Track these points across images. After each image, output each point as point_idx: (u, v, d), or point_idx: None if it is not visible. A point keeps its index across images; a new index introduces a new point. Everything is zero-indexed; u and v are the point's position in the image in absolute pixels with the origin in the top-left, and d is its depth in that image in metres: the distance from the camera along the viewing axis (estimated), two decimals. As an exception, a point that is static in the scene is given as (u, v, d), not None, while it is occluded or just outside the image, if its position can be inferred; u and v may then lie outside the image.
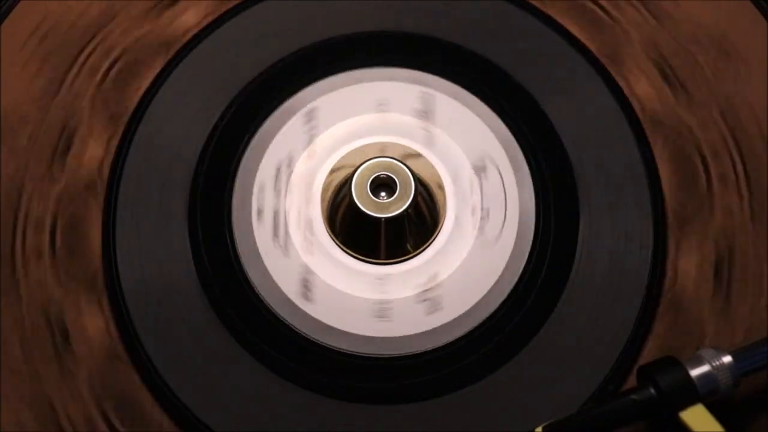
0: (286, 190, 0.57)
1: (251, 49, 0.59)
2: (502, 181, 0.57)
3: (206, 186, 0.57)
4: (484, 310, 0.55)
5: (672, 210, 0.57)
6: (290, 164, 0.58)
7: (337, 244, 0.56)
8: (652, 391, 0.49)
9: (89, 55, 0.59)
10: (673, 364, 0.49)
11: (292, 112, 0.58)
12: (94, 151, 0.57)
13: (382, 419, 0.53)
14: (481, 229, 0.57)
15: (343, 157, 0.58)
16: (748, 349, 0.50)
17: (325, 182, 0.58)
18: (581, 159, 0.58)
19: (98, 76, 0.59)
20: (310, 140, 0.58)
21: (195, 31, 0.60)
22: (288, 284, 0.55)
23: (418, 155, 0.58)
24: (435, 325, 0.54)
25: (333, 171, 0.58)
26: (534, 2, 0.61)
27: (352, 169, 0.56)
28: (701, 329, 0.55)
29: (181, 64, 0.59)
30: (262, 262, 0.55)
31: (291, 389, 0.53)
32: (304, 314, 0.55)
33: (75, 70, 0.59)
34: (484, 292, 0.55)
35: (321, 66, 0.59)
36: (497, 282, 0.55)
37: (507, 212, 0.57)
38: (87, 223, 0.56)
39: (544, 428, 0.48)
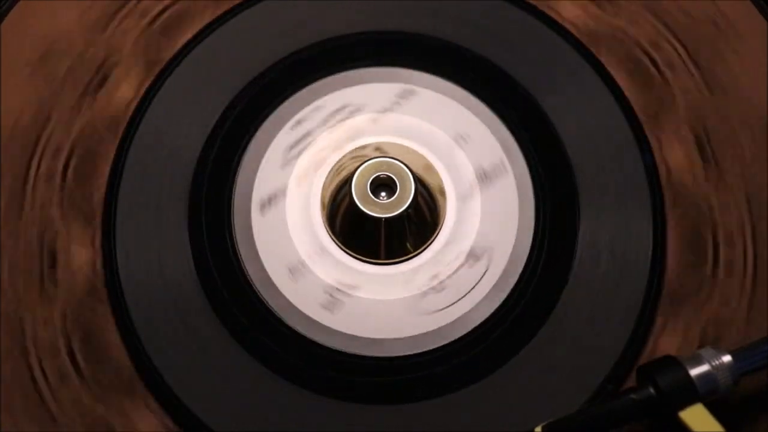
0: (286, 190, 0.57)
1: (251, 49, 0.60)
2: (502, 181, 0.57)
3: (206, 186, 0.57)
4: (484, 309, 0.55)
5: (669, 286, 0.56)
6: (290, 163, 0.58)
7: (337, 244, 0.56)
8: (652, 390, 0.49)
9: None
10: (672, 363, 0.49)
11: (291, 112, 0.58)
12: (125, 92, 0.59)
13: (382, 419, 0.53)
14: (480, 229, 0.57)
15: (342, 158, 0.58)
16: (747, 349, 0.50)
17: (325, 182, 0.58)
18: (581, 159, 0.58)
19: (147, 19, 0.60)
20: (310, 140, 0.58)
21: (195, 30, 0.60)
22: (288, 284, 0.55)
23: (418, 155, 0.58)
24: (434, 326, 0.54)
25: (333, 171, 0.58)
26: (534, 2, 0.61)
27: (352, 169, 0.56)
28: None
29: (181, 64, 0.59)
30: (261, 262, 0.55)
31: (291, 389, 0.53)
32: (304, 314, 0.55)
33: (127, 8, 0.60)
34: (484, 292, 0.55)
35: (321, 66, 0.59)
36: (497, 282, 0.55)
37: (506, 212, 0.57)
38: (101, 158, 0.57)
39: (543, 428, 0.48)
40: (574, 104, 0.59)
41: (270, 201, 0.57)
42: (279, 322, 0.54)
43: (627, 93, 0.59)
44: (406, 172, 0.56)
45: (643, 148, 0.58)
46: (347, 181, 0.56)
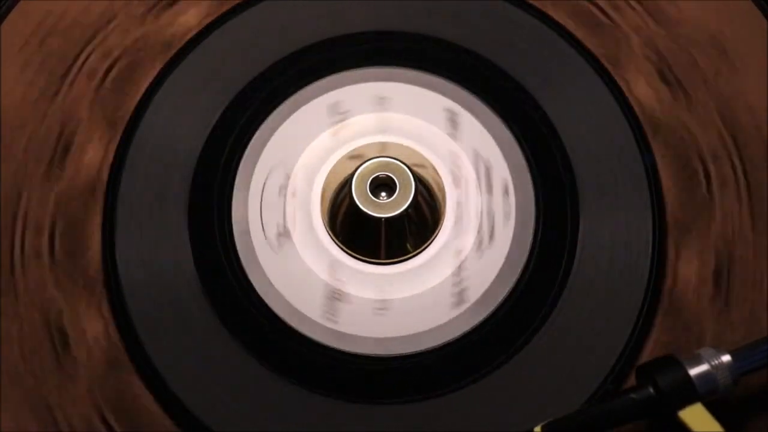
0: (286, 190, 0.57)
1: (251, 49, 0.60)
2: (502, 181, 0.57)
3: (206, 186, 0.57)
4: (484, 309, 0.55)
5: (672, 214, 0.57)
6: (290, 164, 0.58)
7: (337, 244, 0.56)
8: (651, 390, 0.49)
9: (87, 57, 0.59)
10: (672, 363, 0.49)
11: (291, 112, 0.58)
12: (93, 154, 0.58)
13: (382, 419, 0.53)
14: (480, 230, 0.57)
15: (342, 157, 0.58)
16: (747, 349, 0.50)
17: (325, 182, 0.58)
18: (581, 159, 0.58)
19: (96, 79, 0.59)
20: (311, 139, 0.58)
21: (195, 31, 0.60)
22: (288, 285, 0.55)
23: (418, 154, 0.58)
24: (434, 325, 0.54)
25: (333, 170, 0.58)
26: (534, 2, 0.61)
27: (352, 169, 0.56)
28: (700, 329, 0.55)
29: (181, 64, 0.59)
30: (261, 263, 0.56)
31: (291, 389, 0.53)
32: (304, 314, 0.55)
33: (73, 72, 0.59)
34: (484, 293, 0.55)
35: (321, 66, 0.59)
36: (496, 282, 0.55)
37: (506, 213, 0.57)
38: (86, 225, 0.56)
39: (543, 427, 0.49)
40: (573, 104, 0.59)
41: (270, 201, 0.57)
42: (279, 321, 0.54)
43: (579, 37, 0.60)
44: (406, 172, 0.56)
45: (643, 147, 0.58)
46: (347, 181, 0.56)
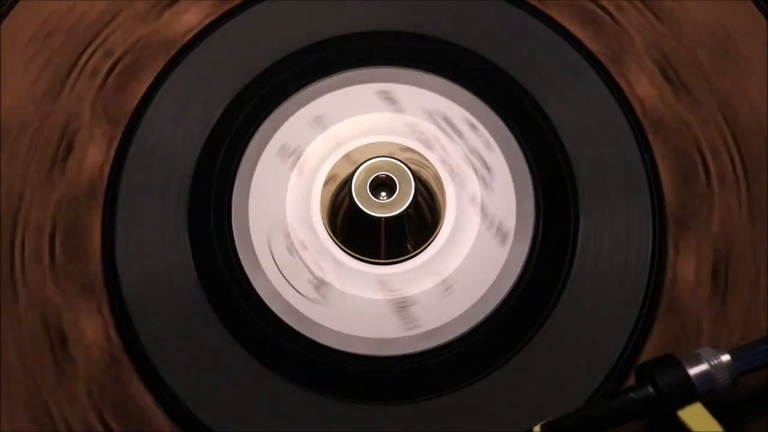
0: (286, 191, 0.57)
1: (251, 49, 0.60)
2: (502, 182, 0.57)
3: (206, 186, 0.57)
4: (484, 309, 0.55)
5: (671, 209, 0.57)
6: (290, 163, 0.58)
7: (337, 244, 0.56)
8: (651, 389, 0.49)
9: (90, 57, 0.59)
10: (671, 362, 0.49)
11: (291, 112, 0.58)
12: (94, 156, 0.58)
13: (382, 419, 0.53)
14: (480, 230, 0.57)
15: (342, 157, 0.58)
16: (746, 348, 0.50)
17: (325, 182, 0.58)
18: (581, 159, 0.58)
19: (99, 79, 0.59)
20: (311, 140, 0.58)
21: (196, 30, 0.60)
22: (288, 285, 0.55)
23: (418, 154, 0.58)
24: (434, 325, 0.54)
25: (333, 170, 0.58)
26: (534, 2, 0.61)
27: (352, 169, 0.56)
28: (699, 328, 0.55)
29: (181, 64, 0.59)
30: (261, 263, 0.56)
31: (291, 389, 0.53)
32: (304, 314, 0.55)
33: (76, 72, 0.59)
34: (483, 293, 0.55)
35: (321, 66, 0.59)
36: (496, 282, 0.55)
37: (506, 213, 0.57)
38: (87, 228, 0.56)
39: (542, 427, 0.49)
40: (574, 104, 0.59)
41: (269, 202, 0.57)
42: (279, 322, 0.54)
43: (581, 37, 0.60)
44: (406, 172, 0.56)
45: (643, 147, 0.58)
46: (347, 181, 0.56)
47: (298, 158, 0.57)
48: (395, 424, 0.53)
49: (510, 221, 0.56)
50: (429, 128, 0.58)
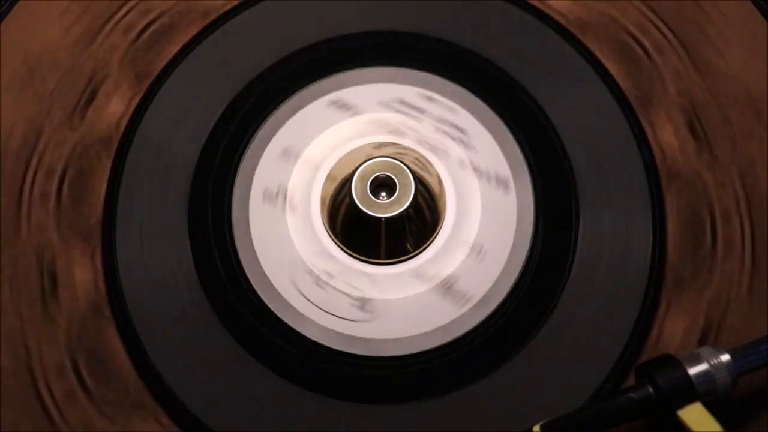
0: (286, 191, 0.57)
1: (251, 49, 0.60)
2: (502, 180, 0.57)
3: (206, 187, 0.57)
4: (484, 309, 0.55)
5: (671, 266, 0.56)
6: (290, 164, 0.58)
7: (337, 244, 0.56)
8: (651, 389, 0.49)
9: (128, 12, 0.60)
10: (671, 362, 0.49)
11: (291, 113, 0.58)
12: (115, 107, 0.58)
13: (382, 419, 0.53)
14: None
15: (342, 157, 0.58)
16: (746, 348, 0.50)
17: (325, 182, 0.58)
18: (581, 159, 0.58)
19: (132, 34, 0.60)
20: (310, 140, 0.58)
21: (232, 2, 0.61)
22: (288, 284, 0.55)
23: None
24: (434, 325, 0.54)
25: (333, 170, 0.58)
26: (534, 2, 0.61)
27: (352, 169, 0.56)
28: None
29: (181, 64, 0.59)
30: (261, 264, 0.56)
31: (291, 389, 0.53)
32: (304, 315, 0.55)
33: (111, 24, 0.60)
34: (484, 293, 0.55)
35: (319, 67, 0.59)
36: (496, 282, 0.55)
37: (506, 211, 0.57)
38: (95, 176, 0.57)
39: (542, 426, 0.49)
40: (573, 103, 0.59)
41: (270, 202, 0.57)
42: (279, 322, 0.54)
43: (617, 78, 0.59)
44: (406, 172, 0.56)
45: (642, 145, 0.58)
46: (347, 181, 0.56)
47: (285, 196, 0.57)
48: (395, 424, 0.53)
49: (504, 168, 0.56)
50: (392, 117, 0.58)
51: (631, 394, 0.49)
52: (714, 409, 0.49)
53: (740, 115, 0.58)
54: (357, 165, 0.56)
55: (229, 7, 0.61)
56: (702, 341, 0.54)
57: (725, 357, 0.50)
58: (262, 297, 0.55)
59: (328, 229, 0.57)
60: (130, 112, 0.58)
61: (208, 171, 0.57)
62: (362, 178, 0.56)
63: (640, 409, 0.49)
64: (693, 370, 0.49)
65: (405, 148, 0.58)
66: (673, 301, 0.55)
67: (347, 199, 0.56)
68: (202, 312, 0.55)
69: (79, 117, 0.58)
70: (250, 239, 0.56)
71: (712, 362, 0.49)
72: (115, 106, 0.58)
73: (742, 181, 0.57)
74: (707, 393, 0.49)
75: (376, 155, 0.56)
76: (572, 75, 0.59)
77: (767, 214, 0.56)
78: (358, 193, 0.55)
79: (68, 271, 0.55)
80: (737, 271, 0.56)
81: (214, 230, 0.56)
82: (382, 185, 0.56)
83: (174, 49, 0.60)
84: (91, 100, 0.58)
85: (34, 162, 0.57)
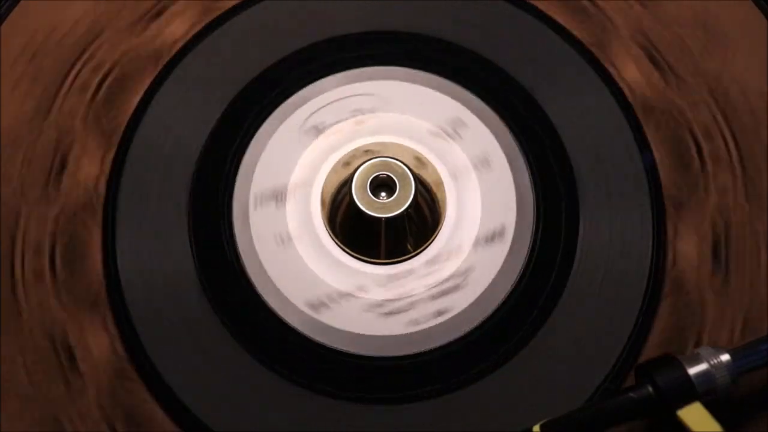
0: (286, 191, 0.57)
1: (251, 49, 0.60)
2: (501, 177, 0.57)
3: (205, 191, 0.57)
4: (484, 309, 0.55)
5: (667, 193, 0.57)
6: (290, 164, 0.58)
7: (337, 243, 0.56)
8: (650, 389, 0.49)
9: (79, 72, 0.59)
10: (671, 362, 0.49)
11: (291, 113, 0.58)
12: (89, 170, 0.57)
13: (382, 419, 0.53)
14: (480, 228, 0.57)
15: (342, 157, 0.58)
16: (746, 348, 0.50)
17: (325, 182, 0.58)
18: (581, 158, 0.58)
19: (89, 93, 0.59)
20: (310, 140, 0.58)
21: (183, 41, 0.60)
22: (288, 284, 0.55)
23: (417, 154, 0.58)
24: (434, 325, 0.54)
25: (333, 170, 0.58)
26: (534, 2, 0.61)
27: (352, 168, 0.56)
28: (700, 331, 0.55)
29: (176, 68, 0.59)
30: (261, 264, 0.56)
31: (291, 389, 0.53)
32: (305, 314, 0.55)
33: (65, 88, 0.59)
34: (483, 292, 0.55)
35: (319, 66, 0.59)
36: (496, 282, 0.55)
37: (506, 211, 0.57)
38: (86, 242, 0.56)
39: (542, 426, 0.49)
40: (573, 103, 0.59)
41: (270, 203, 0.57)
42: (279, 321, 0.54)
43: (570, 29, 0.60)
44: (406, 172, 0.56)
45: (642, 146, 0.58)
46: (347, 181, 0.56)
47: (285, 196, 0.57)
48: (395, 424, 0.53)
49: (504, 168, 0.57)
50: (392, 117, 0.58)
51: (631, 394, 0.49)
52: (714, 409, 0.49)
53: (694, 36, 0.60)
54: (357, 165, 0.56)
55: (179, 46, 0.60)
56: (714, 254, 0.56)
57: (725, 357, 0.50)
58: (263, 297, 0.55)
59: (328, 229, 0.57)
60: (106, 169, 0.57)
61: (209, 171, 0.57)
62: (362, 178, 0.56)
63: (640, 409, 0.49)
64: (693, 370, 0.49)
65: (405, 148, 0.58)
66: (679, 224, 0.56)
67: (347, 199, 0.56)
68: (202, 312, 0.55)
69: (54, 188, 0.57)
70: (252, 236, 0.56)
71: (711, 362, 0.49)
72: (88, 169, 0.57)
73: (714, 98, 0.58)
74: (707, 393, 0.49)
75: (376, 155, 0.56)
76: (572, 75, 0.59)
77: (743, 120, 0.58)
78: (358, 193, 0.55)
79: (83, 341, 0.54)
80: (731, 181, 0.57)
81: (214, 230, 0.56)
82: (382, 185, 0.56)
83: (134, 96, 0.59)
84: (62, 168, 0.57)
85: (19, 243, 0.56)
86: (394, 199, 0.56)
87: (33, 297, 0.55)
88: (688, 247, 0.56)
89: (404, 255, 0.56)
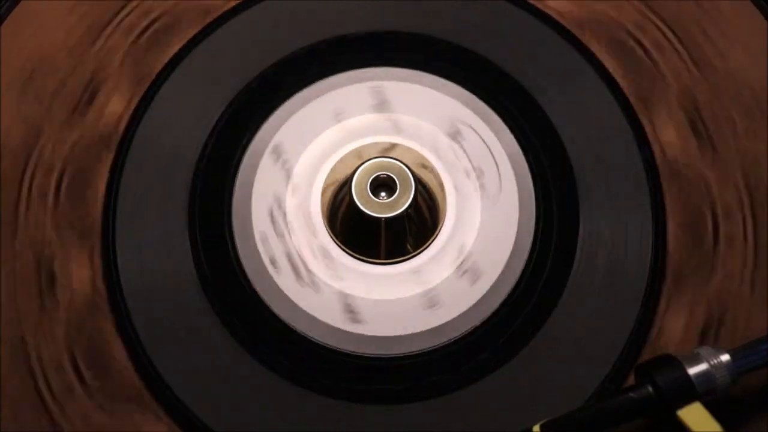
0: (286, 190, 0.57)
1: (251, 49, 0.60)
2: (502, 179, 0.57)
3: (205, 191, 0.57)
4: (484, 309, 0.55)
5: (672, 268, 0.56)
6: (290, 164, 0.58)
7: (337, 244, 0.56)
8: (650, 389, 0.49)
9: (128, 14, 0.61)
10: (671, 362, 0.49)
11: (291, 113, 0.58)
12: (115, 107, 0.59)
13: (383, 419, 0.53)
14: (481, 227, 0.57)
15: (342, 157, 0.58)
16: (746, 348, 0.50)
17: (325, 182, 0.58)
18: (581, 158, 0.58)
19: (133, 36, 0.60)
20: (310, 140, 0.58)
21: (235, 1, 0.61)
22: (288, 284, 0.55)
23: (417, 154, 0.58)
24: (434, 325, 0.54)
25: (333, 170, 0.58)
26: (534, 2, 0.61)
27: (352, 169, 0.56)
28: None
29: (181, 64, 0.59)
30: (262, 263, 0.56)
31: (291, 389, 0.53)
32: (305, 314, 0.55)
33: (112, 26, 0.60)
34: (484, 292, 0.55)
35: (318, 67, 0.59)
36: (496, 282, 0.55)
37: (506, 211, 0.57)
38: (94, 175, 0.57)
39: (541, 426, 0.49)
40: (573, 103, 0.59)
41: (270, 202, 0.57)
42: (279, 322, 0.54)
43: (617, 77, 0.59)
44: (406, 172, 0.56)
45: (642, 143, 0.58)
46: (347, 181, 0.56)
47: (285, 196, 0.57)
48: (395, 424, 0.53)
49: (504, 168, 0.57)
50: (392, 117, 0.58)
51: (631, 394, 0.49)
52: (714, 409, 0.49)
53: (743, 113, 0.58)
54: (357, 165, 0.56)
55: (229, 6, 0.61)
56: (702, 338, 0.54)
57: (725, 357, 0.50)
58: (263, 297, 0.55)
59: (328, 229, 0.57)
60: (129, 111, 0.58)
61: (209, 171, 0.57)
62: (362, 178, 0.56)
63: (640, 409, 0.49)
64: (693, 370, 0.49)
65: (405, 148, 0.58)
66: (673, 298, 0.55)
67: (347, 199, 0.56)
68: (202, 312, 0.55)
69: (79, 116, 0.58)
70: (252, 236, 0.56)
71: (711, 362, 0.49)
72: (114, 106, 0.59)
73: (745, 179, 0.57)
74: (707, 393, 0.49)
75: (376, 155, 0.56)
76: (572, 75, 0.59)
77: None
78: (358, 193, 0.55)
79: (66, 269, 0.55)
80: (739, 268, 0.55)
81: (214, 230, 0.56)
82: (382, 185, 0.56)
83: (173, 49, 0.60)
84: (91, 100, 0.59)
85: (33, 160, 0.57)
86: (394, 199, 0.56)
87: (32, 215, 0.56)
88: (677, 325, 0.55)
89: (404, 255, 0.56)
